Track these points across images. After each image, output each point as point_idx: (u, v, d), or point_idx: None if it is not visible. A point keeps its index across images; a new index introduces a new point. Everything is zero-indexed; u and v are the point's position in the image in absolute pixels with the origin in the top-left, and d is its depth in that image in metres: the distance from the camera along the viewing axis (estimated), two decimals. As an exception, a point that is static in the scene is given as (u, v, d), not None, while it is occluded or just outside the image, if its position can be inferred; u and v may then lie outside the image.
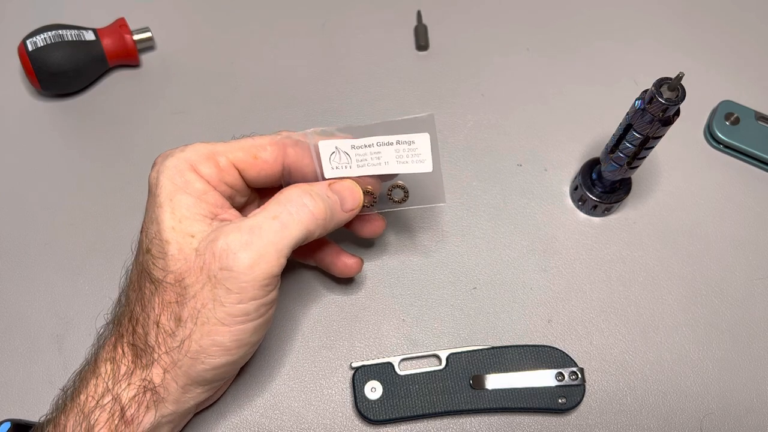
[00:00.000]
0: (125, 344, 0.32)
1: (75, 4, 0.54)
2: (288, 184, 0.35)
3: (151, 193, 0.33)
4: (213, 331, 0.31)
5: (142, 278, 0.32)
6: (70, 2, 0.55)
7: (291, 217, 0.32)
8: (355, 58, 0.52)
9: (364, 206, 0.36)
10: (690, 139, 0.49)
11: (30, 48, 0.46)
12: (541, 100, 0.50)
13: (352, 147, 0.35)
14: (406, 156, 0.35)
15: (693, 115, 0.50)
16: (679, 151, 0.49)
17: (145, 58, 0.52)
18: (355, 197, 0.35)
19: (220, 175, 0.33)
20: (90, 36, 0.49)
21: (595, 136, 0.49)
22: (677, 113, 0.37)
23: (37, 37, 0.47)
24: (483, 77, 0.51)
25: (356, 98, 0.50)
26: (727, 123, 0.48)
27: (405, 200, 0.37)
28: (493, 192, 0.47)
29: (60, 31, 0.47)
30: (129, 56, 0.50)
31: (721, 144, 0.48)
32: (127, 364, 0.32)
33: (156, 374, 0.31)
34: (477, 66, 0.52)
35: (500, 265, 0.44)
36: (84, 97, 0.50)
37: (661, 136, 0.38)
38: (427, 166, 0.35)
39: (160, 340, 0.31)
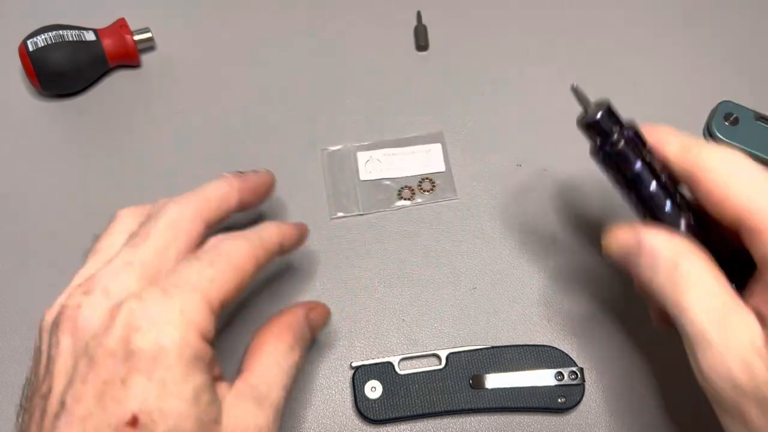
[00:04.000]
0: None
1: (75, 5, 0.55)
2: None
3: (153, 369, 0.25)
4: None
5: None
6: (70, 2, 0.55)
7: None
8: (355, 58, 0.52)
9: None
10: (689, 139, 0.49)
11: (30, 48, 0.47)
12: (540, 100, 0.51)
13: (384, 155, 0.47)
14: (424, 161, 0.47)
15: (692, 115, 0.50)
16: (679, 151, 0.49)
17: (146, 58, 0.52)
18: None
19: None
20: (90, 36, 0.49)
21: (595, 136, 0.49)
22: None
23: (38, 37, 0.47)
24: (483, 77, 0.52)
25: (356, 98, 0.50)
26: (726, 123, 0.48)
27: (432, 190, 0.46)
28: (493, 192, 0.47)
29: (60, 32, 0.47)
30: (129, 56, 0.50)
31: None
32: None
33: None
34: (477, 66, 0.52)
35: (500, 265, 0.44)
36: (84, 98, 0.50)
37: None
38: (440, 167, 0.47)
39: None
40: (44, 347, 0.27)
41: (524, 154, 0.48)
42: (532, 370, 0.39)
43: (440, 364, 0.39)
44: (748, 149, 0.47)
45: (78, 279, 0.29)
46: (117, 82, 0.51)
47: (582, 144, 0.49)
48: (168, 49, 0.53)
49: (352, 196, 0.46)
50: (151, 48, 0.52)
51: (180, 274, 0.27)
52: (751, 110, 0.49)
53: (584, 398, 0.39)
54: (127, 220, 0.31)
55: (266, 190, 0.37)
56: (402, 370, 0.39)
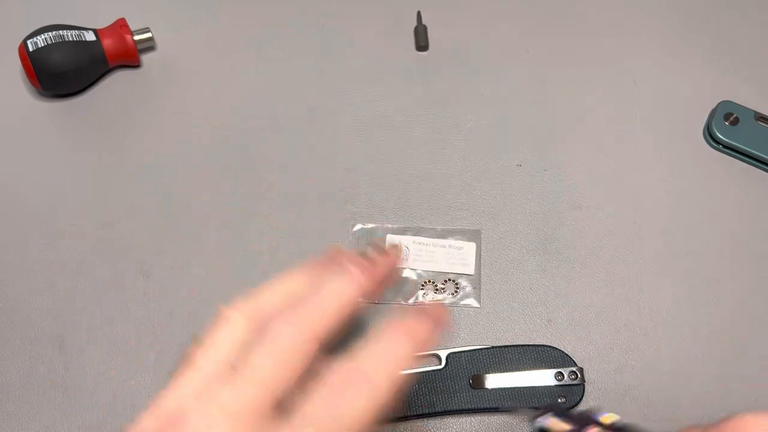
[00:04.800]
0: None
1: (75, 5, 0.55)
2: None
3: None
4: None
5: None
6: (70, 2, 0.55)
7: None
8: (356, 58, 0.52)
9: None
10: (689, 139, 0.49)
11: (31, 48, 0.47)
12: (540, 101, 0.51)
13: (413, 242, 0.44)
14: (454, 258, 0.43)
15: (692, 115, 0.50)
16: (679, 152, 0.49)
17: (146, 58, 0.52)
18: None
19: None
20: (90, 36, 0.49)
21: (595, 136, 0.49)
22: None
23: (38, 37, 0.47)
24: (483, 77, 0.52)
25: (356, 98, 0.51)
26: (727, 123, 0.48)
27: (455, 294, 0.42)
28: (493, 192, 0.47)
29: (60, 32, 0.47)
30: (129, 56, 0.50)
31: (721, 144, 0.48)
32: None
33: None
34: (477, 66, 0.52)
35: (500, 265, 0.44)
36: (84, 98, 0.50)
37: None
38: (469, 269, 0.43)
39: None
40: None
41: (524, 154, 0.48)
42: (532, 370, 0.39)
43: (440, 364, 0.39)
44: (748, 149, 0.47)
45: (168, 399, 0.25)
46: (117, 82, 0.51)
47: (581, 144, 0.49)
48: (168, 49, 0.53)
49: None
50: (151, 48, 0.52)
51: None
52: (751, 110, 0.49)
53: (584, 398, 0.39)
54: (236, 327, 0.27)
55: (392, 276, 0.32)
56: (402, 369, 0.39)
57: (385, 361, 0.27)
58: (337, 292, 0.28)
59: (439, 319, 0.30)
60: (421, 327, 0.29)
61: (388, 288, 0.39)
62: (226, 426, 0.24)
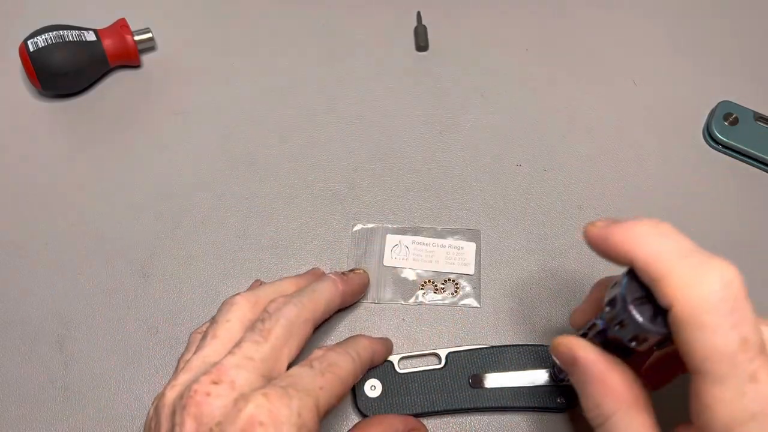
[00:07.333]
0: None
1: (76, 5, 0.55)
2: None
3: None
4: None
5: None
6: (70, 3, 0.55)
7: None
8: (355, 58, 0.53)
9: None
10: (688, 139, 0.49)
11: (31, 48, 0.47)
12: (539, 100, 0.51)
13: (413, 242, 0.44)
14: (453, 258, 0.43)
15: (691, 115, 0.50)
16: (678, 152, 0.49)
17: (146, 58, 0.52)
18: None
19: None
20: (91, 36, 0.49)
21: (594, 136, 0.49)
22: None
23: (38, 37, 0.47)
24: (483, 77, 0.52)
25: (356, 98, 0.51)
26: (726, 123, 0.48)
27: (455, 294, 0.42)
28: (492, 192, 0.47)
29: (61, 32, 0.48)
30: (130, 57, 0.50)
31: (720, 144, 0.48)
32: None
33: None
34: (477, 66, 0.52)
35: (499, 265, 0.44)
36: (85, 98, 0.51)
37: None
38: (469, 269, 0.43)
39: None
40: (165, 423, 0.29)
41: (524, 154, 0.48)
42: (532, 369, 0.39)
43: (440, 363, 0.39)
44: (748, 149, 0.47)
45: (199, 361, 0.31)
46: (117, 82, 0.51)
47: (581, 144, 0.49)
48: (168, 49, 0.53)
49: (372, 279, 0.43)
50: (152, 48, 0.53)
51: (295, 377, 0.30)
52: (751, 110, 0.49)
53: (584, 398, 0.39)
54: (243, 309, 0.34)
55: (362, 291, 0.42)
56: (402, 368, 0.39)
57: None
58: (324, 290, 0.36)
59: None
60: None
61: (360, 298, 0.42)
62: (252, 368, 0.30)
